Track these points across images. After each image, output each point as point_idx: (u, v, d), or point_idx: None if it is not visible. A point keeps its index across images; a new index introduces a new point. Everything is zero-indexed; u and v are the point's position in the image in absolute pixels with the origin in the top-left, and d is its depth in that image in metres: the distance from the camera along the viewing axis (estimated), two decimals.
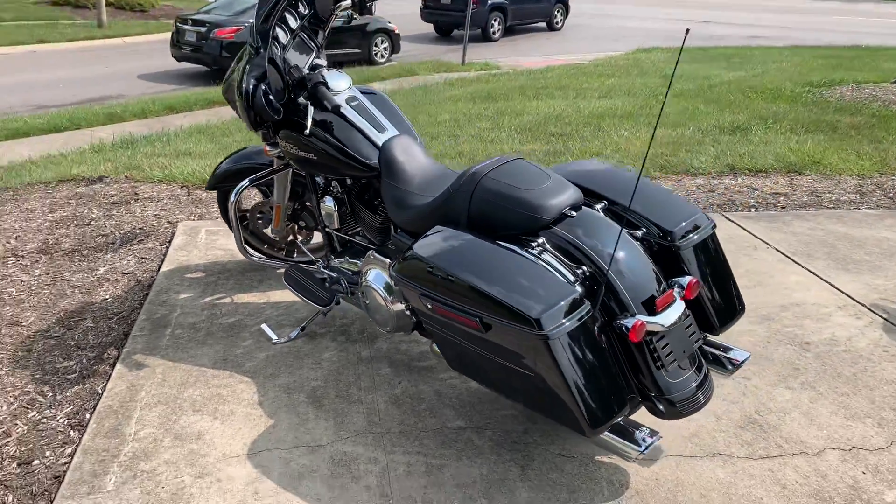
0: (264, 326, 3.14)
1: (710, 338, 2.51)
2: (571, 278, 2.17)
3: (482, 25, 17.31)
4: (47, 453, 2.48)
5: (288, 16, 2.98)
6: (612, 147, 6.27)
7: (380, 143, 2.81)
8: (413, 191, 2.67)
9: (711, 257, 2.42)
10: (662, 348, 2.16)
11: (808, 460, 2.41)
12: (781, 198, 5.03)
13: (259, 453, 2.44)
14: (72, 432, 2.59)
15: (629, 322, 2.10)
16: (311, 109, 2.78)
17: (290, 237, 3.62)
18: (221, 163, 3.58)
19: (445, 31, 18.37)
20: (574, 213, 2.31)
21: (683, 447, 2.48)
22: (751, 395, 2.77)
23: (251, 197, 4.35)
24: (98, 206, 5.08)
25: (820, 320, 3.30)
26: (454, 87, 10.11)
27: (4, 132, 7.69)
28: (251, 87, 2.80)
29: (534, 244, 2.25)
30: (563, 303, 2.02)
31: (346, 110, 2.86)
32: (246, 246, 3.44)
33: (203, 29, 12.28)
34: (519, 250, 2.23)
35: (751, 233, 4.32)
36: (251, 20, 11.70)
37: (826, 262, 3.90)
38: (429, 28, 18.74)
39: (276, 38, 2.87)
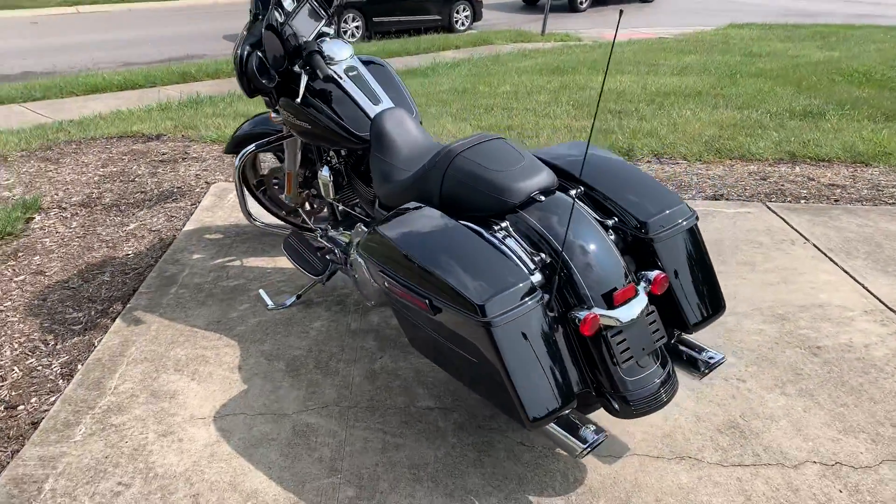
0: (261, 292, 3.19)
1: (686, 336, 2.39)
2: (531, 265, 2.10)
3: None
4: (33, 400, 2.60)
5: None
6: (667, 127, 6.03)
7: (373, 115, 2.78)
8: (398, 165, 2.64)
9: (689, 252, 2.29)
10: (618, 344, 2.07)
11: (784, 472, 2.28)
12: (838, 190, 4.72)
13: (225, 417, 2.49)
14: (60, 381, 2.70)
15: (582, 314, 2.02)
16: (304, 78, 2.77)
17: (306, 204, 3.65)
18: (240, 126, 3.63)
19: (531, 0, 18.01)
20: (543, 198, 2.23)
21: (652, 447, 2.38)
22: (741, 398, 2.63)
23: (271, 162, 4.39)
24: (147, 164, 5.25)
25: (840, 324, 3.09)
26: (525, 59, 9.92)
27: (84, 87, 8.02)
28: (245, 53, 2.81)
29: (498, 228, 2.18)
30: (511, 290, 1.95)
31: (344, 80, 2.83)
32: (249, 210, 3.48)
33: None
34: (484, 233, 2.17)
35: (791, 226, 4.08)
36: None
37: (865, 262, 3.65)
38: None
39: (279, 4, 2.86)
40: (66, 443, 2.35)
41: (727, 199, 4.50)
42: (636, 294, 2.10)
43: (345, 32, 12.50)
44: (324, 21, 3.05)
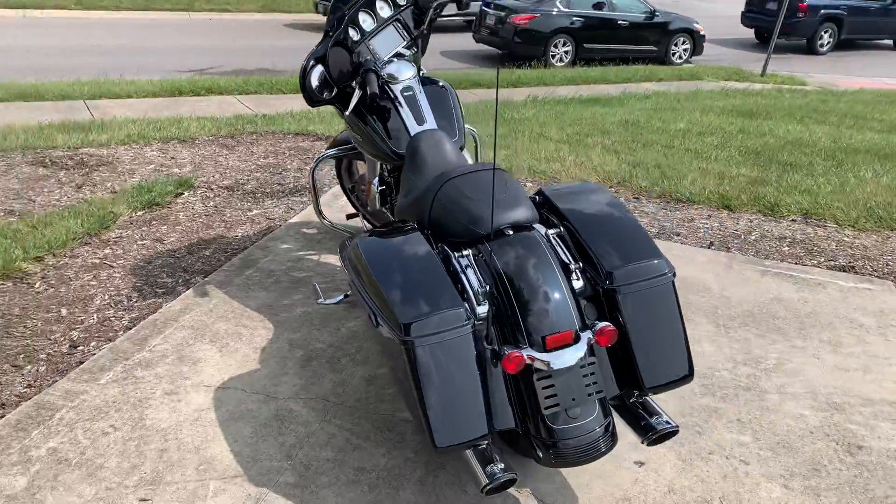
0: (316, 285, 3.43)
1: (650, 397, 2.26)
2: (480, 297, 2.12)
3: (808, 36, 15.70)
4: (92, 344, 3.04)
5: (381, 3, 3.18)
6: (833, 186, 5.50)
7: (413, 134, 2.91)
8: (418, 184, 2.74)
9: (657, 310, 2.17)
10: (544, 388, 2.03)
11: None
12: None
13: (225, 389, 2.75)
14: (120, 333, 3.12)
15: (505, 351, 2.01)
16: (356, 93, 2.96)
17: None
18: (342, 132, 3.91)
19: (766, 38, 16.96)
20: (511, 232, 2.24)
21: None
22: (733, 480, 2.43)
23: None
24: (301, 160, 5.76)
25: None
26: (723, 98, 9.45)
27: (291, 86, 8.89)
28: (308, 65, 3.06)
29: (462, 255, 2.23)
30: (438, 315, 2.00)
31: (396, 99, 2.99)
32: (321, 209, 3.73)
33: (502, 14, 12.85)
34: (453, 259, 2.23)
35: None
36: (546, 8, 12.00)
37: None
38: (749, 33, 17.46)
39: (354, 23, 3.08)
40: (91, 383, 2.73)
41: (856, 273, 4.06)
42: (574, 342, 2.05)
43: (553, 57, 12.64)
44: (405, 43, 3.23)
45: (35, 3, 15.69)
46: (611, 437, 2.09)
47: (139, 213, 4.46)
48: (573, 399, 2.04)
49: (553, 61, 12.64)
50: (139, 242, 4.04)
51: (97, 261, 3.78)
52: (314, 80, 3.01)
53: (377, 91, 2.92)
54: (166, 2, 17.17)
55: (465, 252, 2.23)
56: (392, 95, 3.02)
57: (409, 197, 2.66)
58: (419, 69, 3.44)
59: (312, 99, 3.07)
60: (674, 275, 2.20)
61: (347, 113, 2.96)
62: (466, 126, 3.54)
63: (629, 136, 6.93)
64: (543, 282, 2.11)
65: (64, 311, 3.26)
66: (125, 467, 2.32)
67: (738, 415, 2.75)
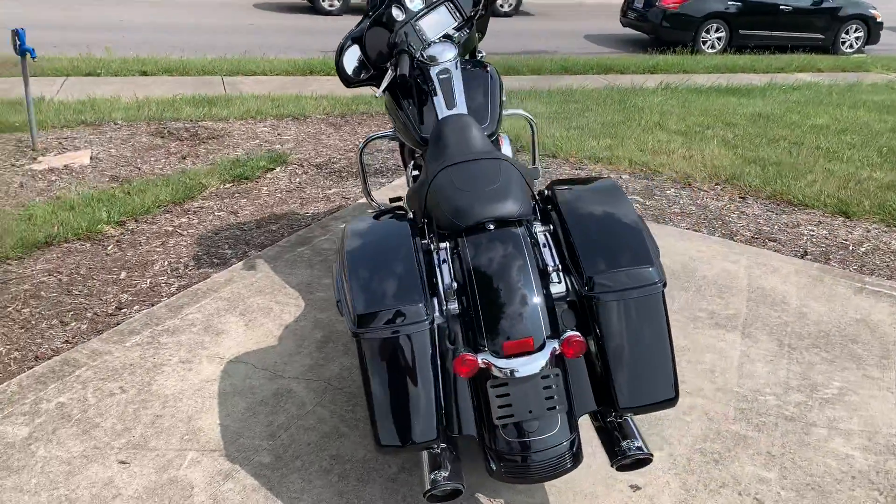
0: None
1: (629, 417, 2.05)
2: (448, 292, 2.01)
3: None
4: (135, 307, 3.20)
5: None
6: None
7: (440, 118, 2.81)
8: (433, 171, 2.64)
9: (641, 323, 1.96)
10: (498, 397, 1.89)
11: None
12: None
13: (237, 363, 2.80)
14: (163, 299, 3.26)
15: (458, 352, 1.89)
16: (388, 74, 2.89)
17: None
18: None
19: None
20: (492, 227, 2.10)
21: None
22: None
23: None
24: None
25: None
26: (885, 92, 8.51)
27: None
28: (344, 45, 3.02)
29: (441, 248, 2.13)
30: (395, 309, 1.92)
31: (431, 82, 2.89)
32: (369, 190, 3.69)
33: None
34: (433, 252, 2.13)
35: None
36: None
37: None
38: None
39: (399, 2, 3.01)
40: (117, 345, 2.87)
41: None
42: (536, 350, 1.89)
43: (704, 43, 11.91)
44: (455, 24, 3.12)
45: None
46: (573, 456, 1.91)
47: (227, 185, 4.65)
48: (530, 411, 1.88)
49: (703, 48, 11.91)
50: (216, 214, 4.20)
51: (171, 228, 3.97)
52: (348, 61, 2.97)
53: (406, 73, 2.83)
54: None
55: (441, 245, 2.12)
56: (428, 78, 2.92)
57: (416, 184, 2.57)
58: (475, 52, 3.31)
59: (346, 80, 3.03)
60: (664, 285, 1.97)
61: (377, 94, 2.90)
62: (521, 112, 3.39)
63: (756, 130, 6.40)
64: (512, 283, 1.96)
65: (123, 274, 3.45)
66: (118, 429, 2.42)
67: (769, 447, 2.45)
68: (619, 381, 1.95)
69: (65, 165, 4.83)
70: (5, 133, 5.47)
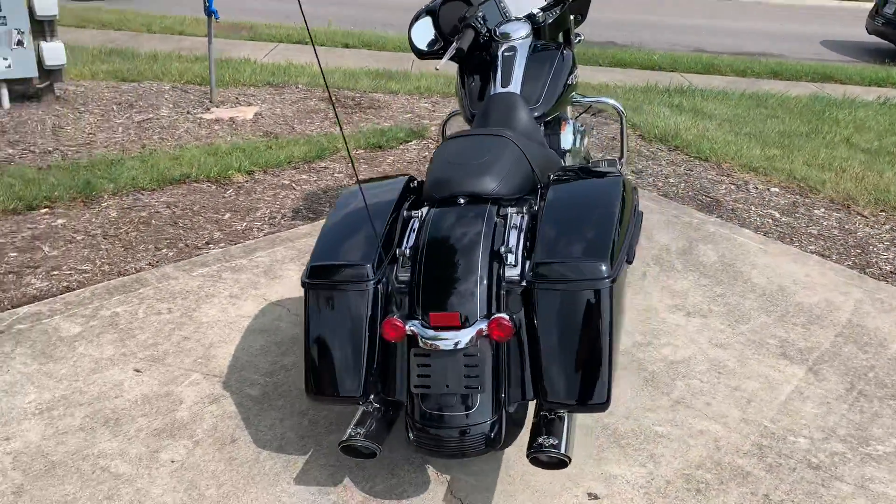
0: None
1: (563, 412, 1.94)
2: (398, 256, 2.04)
3: None
4: (221, 245, 3.52)
5: None
6: None
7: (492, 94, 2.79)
8: None
9: (577, 318, 1.84)
10: (419, 367, 1.89)
11: None
12: None
13: (276, 305, 3.00)
14: (248, 241, 3.56)
15: (388, 316, 1.92)
16: (452, 48, 2.91)
17: None
18: None
19: None
20: (462, 201, 2.08)
21: None
22: None
23: None
24: None
25: None
26: None
27: (610, 59, 8.76)
28: (419, 15, 3.06)
29: (413, 216, 2.15)
30: (341, 266, 1.98)
31: (496, 58, 2.87)
32: None
33: None
34: (411, 218, 2.17)
35: None
36: None
37: None
38: None
39: None
40: (186, 273, 3.19)
41: None
42: (462, 325, 1.86)
43: None
44: (543, 3, 3.07)
45: None
46: (488, 438, 1.86)
47: (358, 151, 4.90)
48: (447, 386, 1.86)
49: None
50: (334, 175, 4.47)
51: (287, 182, 4.29)
52: (417, 32, 3.02)
53: (464, 48, 2.83)
54: None
55: (414, 213, 2.14)
56: (494, 54, 2.90)
57: None
58: (568, 34, 3.22)
59: (417, 51, 3.08)
60: (612, 281, 1.84)
61: (437, 68, 2.93)
62: (608, 100, 3.25)
63: None
64: (457, 258, 1.94)
65: (227, 216, 3.81)
66: (148, 342, 2.71)
67: (770, 490, 2.20)
68: (547, 374, 1.86)
69: (230, 118, 5.36)
70: (201, 86, 6.16)
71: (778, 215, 4.26)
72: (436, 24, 3.00)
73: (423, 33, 3.03)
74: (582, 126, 3.04)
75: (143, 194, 3.98)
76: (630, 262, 2.02)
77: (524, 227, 2.05)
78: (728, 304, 3.17)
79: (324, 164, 4.60)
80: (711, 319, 3.06)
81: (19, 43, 4.79)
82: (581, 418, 2.41)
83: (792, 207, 4.39)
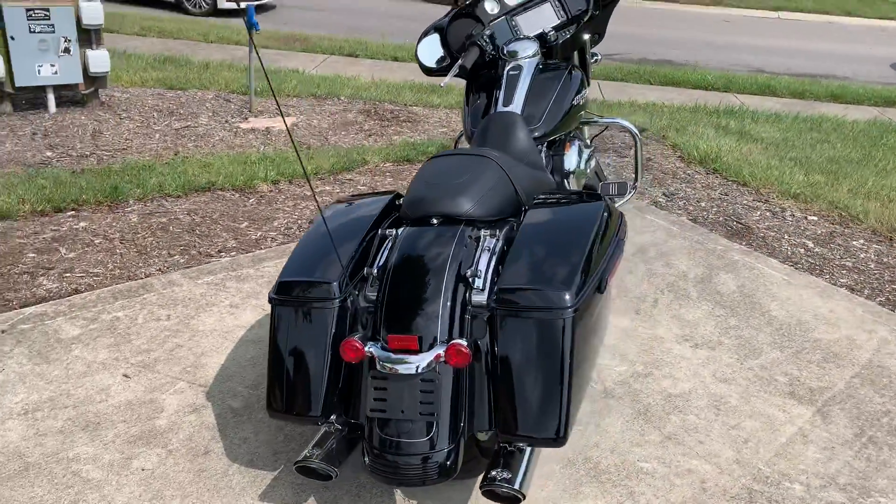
0: None
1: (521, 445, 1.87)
2: (366, 276, 2.01)
3: None
4: (232, 254, 3.56)
5: None
6: None
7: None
8: None
9: (536, 348, 1.78)
10: (375, 389, 1.85)
11: None
12: None
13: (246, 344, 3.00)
14: (258, 251, 3.59)
15: (348, 337, 1.89)
16: (455, 66, 2.88)
17: None
18: None
19: None
20: (434, 222, 2.04)
21: None
22: None
23: None
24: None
25: None
26: None
27: (661, 77, 8.59)
28: (428, 31, 3.04)
29: (388, 235, 2.12)
30: (307, 283, 1.97)
31: (501, 77, 2.83)
32: None
33: None
34: (388, 238, 2.14)
35: None
36: None
37: None
38: None
39: None
40: (191, 281, 3.23)
41: None
42: (420, 350, 1.82)
43: None
44: (557, 22, 3.02)
45: None
46: (442, 468, 1.81)
47: (386, 164, 4.91)
48: (402, 411, 1.82)
49: None
50: (358, 187, 4.48)
51: (309, 193, 4.32)
52: (424, 48, 3.00)
53: (467, 65, 2.80)
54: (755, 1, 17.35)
55: (388, 232, 2.11)
56: (499, 73, 2.86)
57: None
58: (583, 53, 3.16)
59: (423, 68, 3.06)
60: (575, 311, 1.77)
61: (442, 85, 2.90)
62: (622, 121, 3.18)
63: None
64: (420, 280, 1.89)
65: (244, 224, 3.85)
66: (142, 348, 2.74)
67: None
68: (501, 404, 1.80)
69: (266, 128, 5.44)
70: (244, 95, 6.28)
71: (811, 245, 4.08)
72: (444, 41, 2.98)
73: (431, 50, 3.01)
74: (590, 147, 2.96)
75: (167, 201, 4.06)
76: (601, 292, 1.94)
77: (497, 250, 2.00)
78: (740, 337, 3.04)
79: (349, 177, 4.62)
80: (720, 352, 2.93)
81: (66, 50, 4.97)
82: (563, 449, 2.34)
83: (828, 237, 4.20)
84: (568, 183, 2.84)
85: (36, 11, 4.82)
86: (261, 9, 11.80)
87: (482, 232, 2.02)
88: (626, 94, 7.76)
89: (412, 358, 1.80)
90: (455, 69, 2.85)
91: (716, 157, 5.45)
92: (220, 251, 3.54)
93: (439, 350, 1.80)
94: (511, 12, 2.98)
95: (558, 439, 1.76)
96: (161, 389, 2.53)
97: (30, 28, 4.83)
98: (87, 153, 4.69)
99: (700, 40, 12.64)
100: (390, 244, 2.06)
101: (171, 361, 2.67)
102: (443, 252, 1.92)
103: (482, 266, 1.94)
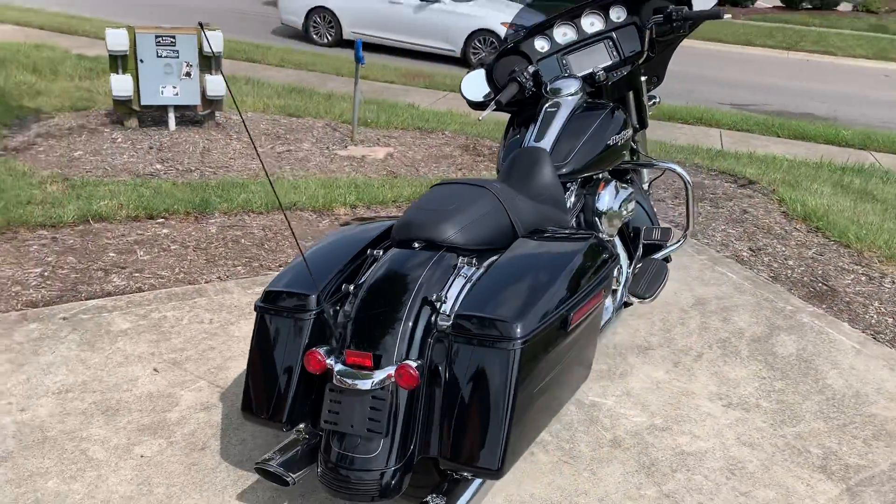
0: None
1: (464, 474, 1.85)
2: (343, 292, 2.08)
3: None
4: None
5: (592, 18, 3.03)
6: None
7: None
8: None
9: (482, 377, 1.77)
10: (331, 402, 1.91)
11: None
12: None
13: None
14: None
15: (313, 348, 1.96)
16: (493, 101, 2.91)
17: None
18: None
19: None
20: (416, 245, 2.09)
21: None
22: None
23: None
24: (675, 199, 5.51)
25: None
26: None
27: (789, 131, 8.21)
28: (474, 66, 3.09)
29: (374, 255, 2.18)
30: (288, 294, 2.06)
31: (539, 113, 2.84)
32: None
33: None
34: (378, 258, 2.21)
35: None
36: None
37: None
38: None
39: (547, 34, 3.01)
40: (243, 290, 3.42)
41: None
42: (373, 367, 1.86)
43: None
44: (609, 63, 3.00)
45: None
46: (384, 487, 1.83)
47: None
48: (352, 426, 1.86)
49: None
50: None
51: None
52: (468, 83, 3.05)
53: (503, 101, 2.83)
54: (769, 38, 16.96)
55: (376, 253, 2.17)
56: (539, 109, 2.87)
57: None
58: (639, 94, 3.11)
59: (469, 102, 3.11)
60: (524, 343, 1.75)
61: (480, 118, 2.94)
62: (673, 166, 3.09)
63: None
64: (387, 300, 1.94)
65: (309, 243, 4.03)
66: (178, 347, 2.94)
67: None
68: (445, 429, 1.80)
69: (362, 156, 5.67)
70: (357, 126, 6.57)
71: (893, 321, 3.75)
72: (490, 77, 3.02)
73: (476, 85, 3.06)
74: (628, 190, 2.90)
75: (248, 216, 4.31)
76: (564, 329, 1.90)
77: (474, 278, 2.01)
78: (782, 402, 2.84)
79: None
80: (753, 415, 2.76)
81: (187, 74, 5.42)
82: (550, 491, 2.29)
83: None
84: (599, 223, 2.79)
85: (164, 38, 5.31)
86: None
87: (461, 259, 2.03)
88: (747, 146, 7.47)
89: (366, 375, 1.84)
90: (492, 104, 2.89)
91: (823, 215, 5.12)
92: (280, 265, 3.72)
93: (391, 370, 1.82)
94: (562, 51, 2.99)
95: (495, 471, 1.73)
96: (182, 386, 2.69)
97: (157, 53, 5.32)
98: (192, 168, 5.07)
99: (849, 94, 11.92)
100: (374, 264, 2.11)
101: (199, 361, 2.84)
102: (415, 275, 1.96)
103: (454, 292, 1.96)
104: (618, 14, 2.98)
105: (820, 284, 4.03)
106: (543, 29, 2.99)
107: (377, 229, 2.27)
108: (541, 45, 2.99)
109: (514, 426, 1.74)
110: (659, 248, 3.14)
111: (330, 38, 11.90)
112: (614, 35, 2.98)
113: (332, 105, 7.25)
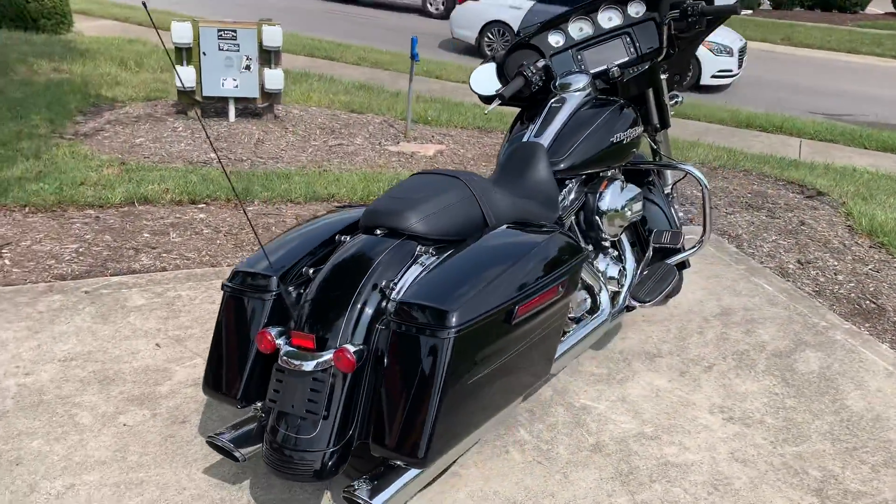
0: None
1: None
2: (308, 276, 2.11)
3: None
4: None
5: (610, 13, 2.96)
6: None
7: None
8: None
9: (413, 365, 1.75)
10: (275, 381, 1.94)
11: None
12: None
13: None
14: None
15: (264, 328, 1.99)
16: (497, 95, 2.87)
17: None
18: None
19: None
20: (378, 233, 2.09)
21: None
22: None
23: None
24: (739, 200, 5.30)
25: None
26: None
27: (877, 143, 7.78)
28: (485, 60, 3.05)
29: (346, 240, 2.19)
30: (250, 274, 2.10)
31: (543, 108, 2.79)
32: None
33: None
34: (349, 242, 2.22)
35: None
36: None
37: None
38: None
39: (562, 29, 2.95)
40: None
41: None
42: (316, 350, 1.88)
43: None
44: (626, 59, 2.93)
45: None
46: (318, 468, 1.83)
47: None
48: (292, 406, 1.88)
49: None
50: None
51: None
52: (477, 76, 3.01)
53: (506, 95, 2.79)
54: (876, 46, 16.07)
55: (342, 238, 2.18)
56: (545, 104, 2.82)
57: None
58: (659, 93, 3.01)
59: (479, 96, 3.08)
60: (458, 333, 1.73)
61: (486, 112, 2.91)
62: (689, 167, 2.97)
63: None
64: (336, 284, 1.95)
65: None
66: (185, 325, 3.03)
67: None
68: (373, 414, 1.79)
69: (412, 152, 5.71)
70: (414, 122, 6.63)
71: None
72: (501, 71, 2.98)
73: (485, 78, 3.02)
74: (632, 190, 2.80)
75: (286, 205, 4.42)
76: (509, 323, 1.86)
77: (431, 266, 1.99)
78: (789, 420, 2.69)
79: None
80: (754, 431, 2.62)
81: (247, 67, 5.60)
82: (515, 491, 2.24)
83: None
84: (600, 222, 2.72)
85: (225, 32, 5.50)
86: None
87: (420, 248, 2.02)
88: (826, 156, 7.11)
89: (308, 356, 1.85)
90: (498, 101, 2.86)
91: (891, 230, 4.81)
92: None
93: (330, 353, 1.83)
94: (577, 46, 2.92)
95: (419, 460, 1.71)
96: (178, 361, 2.78)
97: (219, 46, 5.52)
98: (244, 158, 5.23)
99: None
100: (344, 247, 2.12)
101: (201, 339, 2.93)
102: (370, 261, 1.96)
103: (407, 280, 1.95)
104: (636, 9, 2.90)
105: (868, 302, 3.79)
106: (559, 23, 2.93)
107: (353, 217, 2.28)
108: (555, 39, 2.93)
109: (442, 416, 1.71)
110: (677, 252, 3.02)
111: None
112: (632, 31, 2.90)
113: (395, 102, 7.33)
